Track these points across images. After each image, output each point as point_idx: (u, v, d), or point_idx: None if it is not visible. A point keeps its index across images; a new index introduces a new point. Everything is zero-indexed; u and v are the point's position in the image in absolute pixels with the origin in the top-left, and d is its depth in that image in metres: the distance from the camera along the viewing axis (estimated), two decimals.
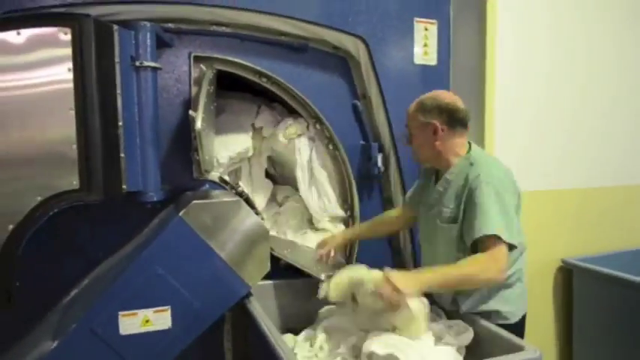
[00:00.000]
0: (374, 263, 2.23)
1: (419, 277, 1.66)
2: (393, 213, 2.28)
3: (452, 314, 1.84)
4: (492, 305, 1.80)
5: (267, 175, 2.61)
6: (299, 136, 2.36)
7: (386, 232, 2.36)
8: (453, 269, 1.67)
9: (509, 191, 1.74)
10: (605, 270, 2.68)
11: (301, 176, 2.39)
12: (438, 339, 1.64)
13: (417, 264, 2.43)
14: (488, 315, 1.79)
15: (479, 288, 1.77)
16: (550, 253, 2.89)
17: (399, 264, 2.44)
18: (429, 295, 1.86)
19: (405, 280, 1.59)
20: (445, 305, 1.87)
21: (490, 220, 1.64)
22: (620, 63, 3.01)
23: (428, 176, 2.03)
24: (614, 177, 3.07)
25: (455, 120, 1.82)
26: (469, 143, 1.90)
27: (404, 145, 2.03)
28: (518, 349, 1.48)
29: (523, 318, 1.90)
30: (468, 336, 1.66)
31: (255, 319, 1.72)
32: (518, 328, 1.82)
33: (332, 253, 2.16)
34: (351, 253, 2.36)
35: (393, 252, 2.46)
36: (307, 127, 2.36)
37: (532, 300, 2.73)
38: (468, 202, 1.73)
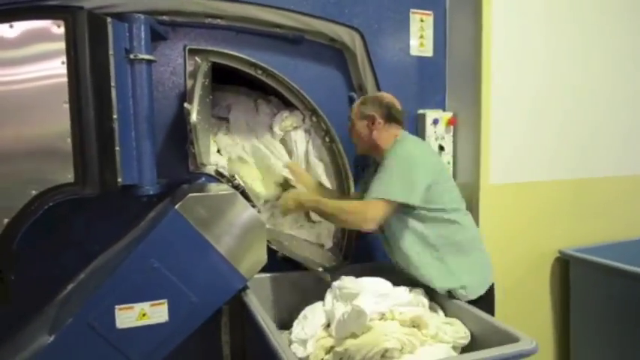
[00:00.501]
0: (370, 253, 2.25)
1: (303, 198, 2.08)
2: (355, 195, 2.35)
3: (449, 307, 1.84)
4: (458, 280, 1.89)
5: None
6: (295, 128, 2.35)
7: None
8: (331, 202, 1.98)
9: (419, 163, 1.87)
10: (603, 260, 2.68)
11: None
12: (434, 336, 1.64)
13: None
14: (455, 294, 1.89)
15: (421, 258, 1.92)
16: (547, 244, 2.88)
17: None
18: (428, 290, 1.92)
19: (293, 197, 2.08)
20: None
21: (381, 186, 1.84)
22: (616, 53, 3.00)
23: (372, 166, 2.20)
24: (610, 167, 3.06)
25: (391, 115, 2.02)
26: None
27: (350, 137, 2.18)
28: (514, 340, 1.48)
29: (491, 289, 2.00)
30: (466, 338, 1.68)
31: (252, 312, 1.72)
32: (487, 301, 1.93)
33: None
34: (348, 248, 2.36)
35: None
36: (303, 119, 2.35)
37: (529, 291, 2.76)
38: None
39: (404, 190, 1.82)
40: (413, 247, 1.93)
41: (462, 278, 1.89)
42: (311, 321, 1.79)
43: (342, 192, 2.40)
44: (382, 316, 1.67)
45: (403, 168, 1.85)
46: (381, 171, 1.89)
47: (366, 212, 1.84)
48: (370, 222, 1.84)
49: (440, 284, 1.90)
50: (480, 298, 1.91)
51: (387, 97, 2.08)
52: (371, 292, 1.74)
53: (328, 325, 1.75)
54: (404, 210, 1.89)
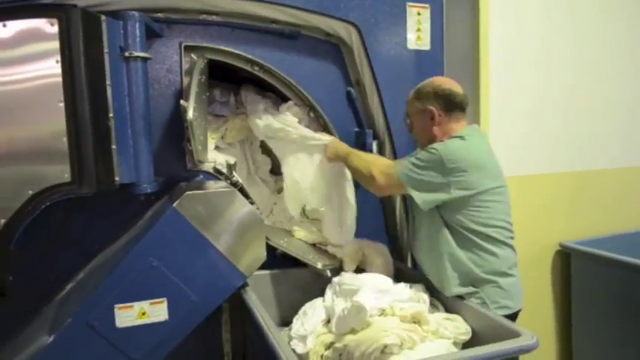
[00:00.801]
0: None
1: (339, 147, 2.10)
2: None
3: (450, 303, 1.84)
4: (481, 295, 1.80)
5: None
6: (300, 120, 2.34)
7: None
8: (359, 156, 2.01)
9: (448, 169, 1.73)
10: (604, 253, 2.68)
11: None
12: (434, 332, 1.64)
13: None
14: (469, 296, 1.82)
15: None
16: (548, 236, 2.88)
17: (396, 249, 2.44)
18: (429, 286, 1.92)
19: (331, 147, 2.11)
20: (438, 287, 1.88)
21: (407, 169, 1.80)
22: (616, 45, 2.99)
23: None
24: (611, 159, 3.06)
25: (452, 104, 1.86)
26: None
27: (408, 132, 2.09)
28: (515, 335, 1.47)
29: (510, 317, 1.81)
30: (467, 334, 1.67)
31: (251, 309, 1.71)
32: None
33: None
34: None
35: (390, 238, 2.45)
36: (303, 113, 2.34)
37: (530, 284, 2.74)
38: None
39: (419, 187, 1.78)
40: (435, 252, 1.86)
41: (484, 299, 1.80)
42: (311, 317, 1.79)
43: None
44: (382, 312, 1.66)
45: (431, 165, 1.75)
46: (422, 153, 1.80)
47: (378, 181, 1.87)
48: (377, 190, 1.94)
49: (449, 293, 1.83)
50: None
51: (444, 82, 1.91)
52: (371, 288, 1.73)
53: (328, 321, 1.75)
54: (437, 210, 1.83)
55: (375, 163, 1.94)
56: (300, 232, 2.36)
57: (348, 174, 2.16)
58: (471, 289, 1.80)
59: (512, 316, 1.83)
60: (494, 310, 1.77)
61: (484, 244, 1.79)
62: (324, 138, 2.17)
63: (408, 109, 1.99)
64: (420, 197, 1.78)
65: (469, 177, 1.74)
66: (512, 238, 1.88)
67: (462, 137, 1.81)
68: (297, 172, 2.25)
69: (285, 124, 2.18)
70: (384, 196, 1.93)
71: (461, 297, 1.82)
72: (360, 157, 2.02)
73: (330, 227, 2.28)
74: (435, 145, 1.78)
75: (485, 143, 1.92)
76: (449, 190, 1.74)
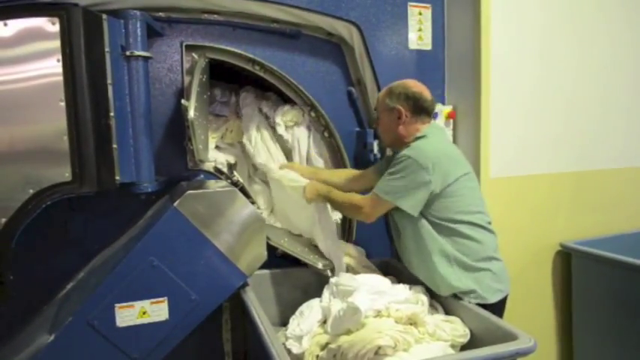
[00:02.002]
0: (371, 249, 2.24)
1: (319, 187, 2.10)
2: (353, 173, 2.30)
3: (449, 305, 1.84)
4: (467, 284, 1.82)
5: None
6: (296, 124, 2.34)
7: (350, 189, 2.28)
8: (339, 194, 2.04)
9: (425, 170, 1.77)
10: (604, 253, 2.67)
11: None
12: (432, 334, 1.64)
13: None
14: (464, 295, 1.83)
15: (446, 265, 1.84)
16: (548, 237, 2.88)
17: (396, 249, 2.44)
18: (430, 290, 1.91)
19: (310, 189, 2.09)
20: (433, 287, 1.89)
21: (384, 185, 1.85)
22: (616, 45, 2.98)
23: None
24: (611, 159, 3.05)
25: (419, 108, 1.93)
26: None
27: (373, 127, 2.15)
28: (513, 337, 1.47)
29: (503, 300, 1.90)
30: (465, 336, 1.67)
31: (248, 309, 1.71)
32: (496, 309, 1.84)
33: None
34: (349, 240, 2.36)
35: (390, 240, 2.44)
36: (302, 115, 2.34)
37: (530, 284, 2.75)
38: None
39: (403, 195, 1.81)
40: (423, 251, 1.87)
41: (472, 287, 1.81)
42: (307, 317, 1.79)
43: (337, 166, 2.42)
44: (378, 314, 1.66)
45: (408, 173, 1.79)
46: (392, 166, 1.86)
47: (364, 209, 1.91)
48: (367, 217, 1.93)
49: (445, 292, 1.85)
50: (489, 305, 1.82)
51: (415, 86, 1.96)
52: (367, 289, 1.73)
53: (325, 322, 1.75)
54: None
55: (356, 195, 2.03)
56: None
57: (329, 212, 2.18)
58: (466, 285, 1.81)
59: (504, 300, 1.89)
60: (491, 296, 1.82)
61: (468, 232, 1.84)
62: (301, 180, 2.18)
63: (377, 104, 2.04)
64: (407, 203, 1.81)
65: (443, 168, 1.80)
66: (490, 222, 1.94)
67: (424, 136, 1.90)
68: (282, 202, 2.33)
69: (267, 163, 2.27)
70: (374, 220, 1.94)
71: (457, 297, 1.82)
72: (342, 193, 2.07)
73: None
74: (403, 153, 1.84)
75: (445, 136, 2.05)
76: (430, 186, 1.78)
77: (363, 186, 2.21)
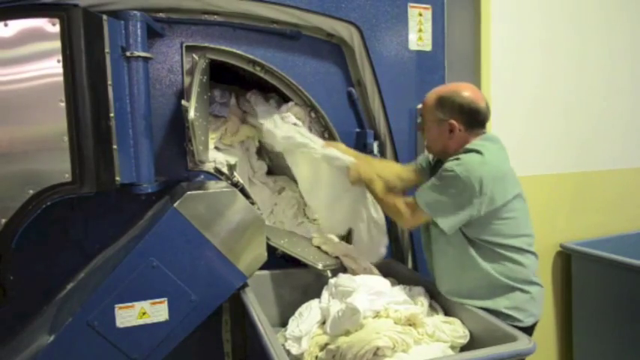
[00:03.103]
0: None
1: (362, 171, 2.02)
2: (399, 169, 2.19)
3: (449, 306, 1.84)
4: (496, 305, 1.74)
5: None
6: (301, 121, 2.33)
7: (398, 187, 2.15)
8: (380, 189, 1.95)
9: (471, 190, 1.65)
10: (604, 254, 2.68)
11: None
12: (431, 335, 1.64)
13: (414, 252, 2.42)
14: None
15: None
16: (548, 237, 2.88)
17: (397, 251, 2.44)
18: (429, 289, 1.91)
19: (355, 170, 2.03)
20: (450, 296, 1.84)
21: (429, 197, 1.74)
22: (617, 45, 2.99)
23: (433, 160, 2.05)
24: (611, 160, 3.05)
25: (474, 121, 1.78)
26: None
27: (419, 132, 2.04)
28: (512, 339, 1.47)
29: (532, 326, 1.80)
30: (465, 337, 1.67)
31: (248, 309, 1.71)
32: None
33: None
34: (349, 241, 2.36)
35: (390, 240, 2.44)
36: (304, 114, 2.33)
37: None
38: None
39: (444, 213, 1.70)
40: (456, 262, 1.79)
41: (500, 308, 1.73)
42: (306, 318, 1.79)
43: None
44: (377, 314, 1.65)
45: (451, 191, 1.67)
46: (438, 177, 1.72)
47: (405, 216, 1.82)
48: (407, 224, 1.91)
49: (473, 304, 1.76)
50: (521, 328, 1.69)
51: (469, 94, 1.76)
52: (366, 290, 1.73)
53: (324, 323, 1.75)
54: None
55: (400, 198, 1.89)
56: (317, 239, 2.32)
57: (369, 195, 2.11)
58: (499, 306, 1.74)
59: (534, 325, 1.81)
60: (524, 318, 1.74)
61: (510, 254, 1.74)
62: (347, 159, 2.08)
63: (425, 113, 1.86)
64: (445, 223, 1.71)
65: (492, 191, 1.66)
66: (533, 243, 1.83)
67: (478, 151, 1.71)
68: (317, 189, 2.25)
69: (309, 140, 2.17)
70: (412, 228, 1.93)
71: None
72: (385, 189, 1.96)
73: (360, 242, 2.24)
74: (451, 165, 1.68)
75: (502, 150, 1.82)
76: (473, 209, 1.67)
77: (405, 185, 2.12)
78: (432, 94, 1.83)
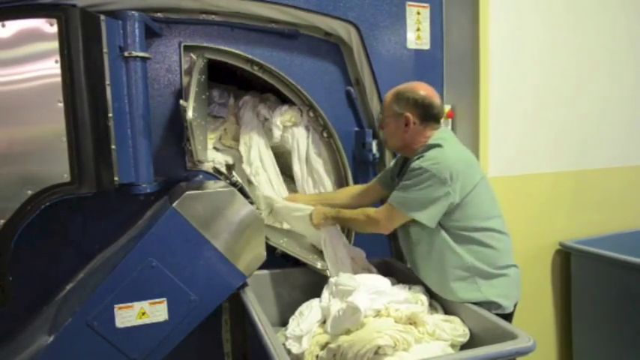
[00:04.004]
0: (371, 249, 2.23)
1: (326, 211, 2.07)
2: (357, 189, 2.29)
3: (449, 305, 1.84)
4: (485, 294, 1.78)
5: None
6: (294, 124, 2.34)
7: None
8: (349, 212, 2.02)
9: (441, 181, 1.72)
10: (604, 252, 2.68)
11: (299, 168, 2.37)
12: (431, 334, 1.64)
13: None
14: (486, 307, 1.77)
15: (466, 274, 1.79)
16: (548, 236, 2.88)
17: (395, 250, 2.44)
18: (428, 288, 1.92)
19: (316, 214, 2.08)
20: (443, 295, 1.86)
21: (400, 197, 1.80)
22: (616, 44, 2.99)
23: (398, 163, 2.10)
24: (610, 159, 3.05)
25: (428, 115, 1.87)
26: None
27: (377, 129, 2.09)
28: (512, 337, 1.47)
29: (512, 312, 1.87)
30: (465, 336, 1.67)
31: (248, 309, 1.71)
32: (509, 316, 1.83)
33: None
34: (348, 238, 2.36)
35: (389, 239, 2.45)
36: (301, 115, 2.34)
37: (530, 284, 2.75)
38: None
39: (420, 208, 1.75)
40: (444, 263, 1.82)
41: (490, 297, 1.78)
42: (307, 317, 1.79)
43: (341, 186, 2.40)
44: (377, 313, 1.66)
45: (426, 185, 1.73)
46: (407, 178, 1.79)
47: (381, 221, 1.87)
48: (384, 230, 1.91)
49: (463, 298, 1.80)
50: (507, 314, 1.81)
51: (424, 90, 1.87)
52: (367, 289, 1.73)
53: (324, 322, 1.75)
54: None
55: (369, 208, 1.98)
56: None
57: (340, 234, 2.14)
58: (484, 296, 1.77)
59: (515, 305, 1.87)
60: (510, 304, 1.80)
61: (486, 240, 1.80)
62: (305, 207, 2.14)
63: (383, 108, 1.97)
64: (424, 216, 1.76)
65: (460, 178, 1.74)
66: (504, 224, 1.89)
67: (439, 145, 1.80)
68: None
69: (270, 195, 2.26)
70: (391, 231, 1.91)
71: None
72: (352, 210, 2.04)
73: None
74: (417, 163, 1.77)
75: (457, 140, 1.93)
76: (449, 198, 1.73)
77: (371, 200, 2.20)
78: (390, 91, 1.94)
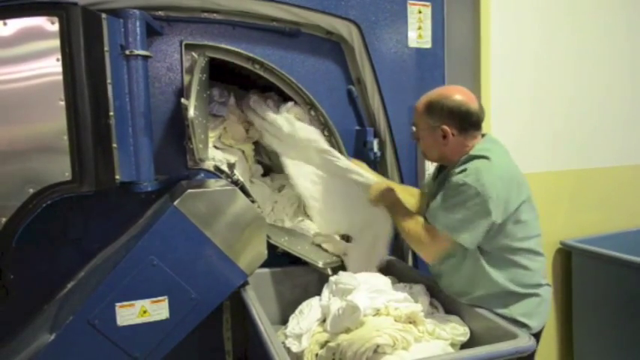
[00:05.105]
0: None
1: (385, 194, 1.96)
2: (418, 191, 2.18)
3: (449, 304, 1.83)
4: (511, 312, 1.70)
5: (262, 164, 2.59)
6: (300, 121, 2.33)
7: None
8: (403, 213, 1.84)
9: (487, 201, 1.58)
10: (604, 251, 2.68)
11: None
12: (431, 333, 1.64)
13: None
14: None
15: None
16: (548, 234, 2.86)
17: (397, 249, 2.44)
18: (429, 287, 1.89)
19: (377, 189, 2.00)
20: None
21: (446, 218, 1.65)
22: (616, 42, 2.99)
23: (436, 170, 2.01)
24: (611, 157, 3.05)
25: (467, 124, 1.71)
26: (483, 135, 1.79)
27: (413, 140, 1.94)
28: (512, 336, 1.47)
29: (540, 331, 1.78)
30: (465, 335, 1.66)
31: (248, 307, 1.72)
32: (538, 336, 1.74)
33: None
34: (349, 240, 2.36)
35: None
36: (304, 113, 2.33)
37: None
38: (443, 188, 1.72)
39: (464, 230, 1.62)
40: (470, 278, 1.72)
41: (515, 315, 1.69)
42: (307, 316, 1.79)
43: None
44: (377, 312, 1.65)
45: (468, 204, 1.59)
46: (448, 195, 1.66)
47: (430, 247, 1.72)
48: (431, 258, 1.77)
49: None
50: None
51: (459, 96, 1.70)
52: (366, 288, 1.73)
53: (324, 320, 1.75)
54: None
55: (418, 225, 1.76)
56: (318, 238, 2.31)
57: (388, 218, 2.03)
58: (504, 311, 1.69)
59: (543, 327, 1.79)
60: (534, 324, 1.71)
61: (521, 260, 1.70)
62: (371, 178, 2.09)
63: (416, 120, 1.80)
64: (467, 239, 1.63)
65: (506, 194, 1.62)
66: (542, 243, 1.79)
67: (484, 156, 1.65)
68: (322, 191, 2.27)
69: (331, 150, 2.20)
70: (437, 259, 1.76)
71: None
72: (410, 215, 1.84)
73: (357, 257, 2.21)
74: (460, 177, 1.62)
75: (506, 152, 1.78)
76: (492, 216, 1.59)
77: (419, 206, 2.05)
78: (422, 101, 1.77)
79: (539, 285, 1.76)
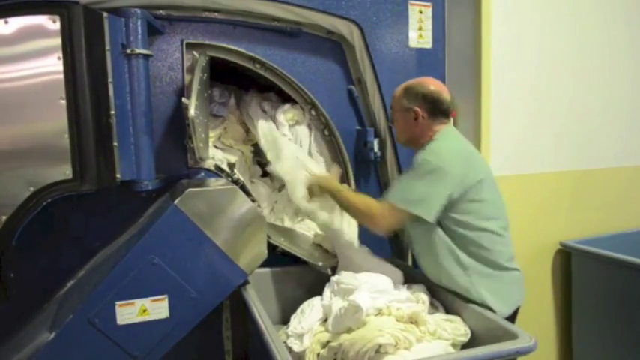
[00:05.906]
0: (371, 248, 2.24)
1: (325, 183, 2.03)
2: None
3: (450, 304, 1.84)
4: (480, 294, 1.77)
5: (261, 165, 2.59)
6: (297, 122, 2.34)
7: None
8: (349, 194, 1.94)
9: (444, 174, 1.72)
10: (604, 252, 2.68)
11: None
12: (432, 333, 1.64)
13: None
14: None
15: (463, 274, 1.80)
16: (548, 235, 2.88)
17: (397, 248, 2.44)
18: (430, 287, 1.90)
19: (316, 182, 2.06)
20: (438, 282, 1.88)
21: (399, 192, 1.79)
22: (617, 43, 2.98)
23: None
24: (612, 158, 3.05)
25: (437, 110, 1.87)
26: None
27: (389, 125, 2.11)
28: (513, 336, 1.47)
29: (515, 312, 1.86)
30: (466, 335, 1.67)
31: (249, 307, 1.72)
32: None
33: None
34: None
35: (390, 237, 2.45)
36: (303, 113, 2.34)
37: (530, 283, 2.74)
38: None
39: (420, 203, 1.72)
40: (441, 259, 1.82)
41: (483, 298, 1.76)
42: (308, 315, 1.79)
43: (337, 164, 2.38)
44: (379, 312, 1.66)
45: (426, 177, 1.72)
46: (406, 172, 1.82)
47: (378, 217, 1.79)
48: (380, 228, 1.83)
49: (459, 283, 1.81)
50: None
51: (433, 85, 1.88)
52: (368, 288, 1.73)
53: (326, 320, 1.75)
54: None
55: (374, 200, 1.86)
56: (318, 237, 2.31)
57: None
58: (480, 296, 1.77)
59: (516, 311, 1.86)
60: (502, 307, 1.77)
61: (481, 240, 1.78)
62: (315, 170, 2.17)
63: (393, 103, 1.97)
64: (424, 210, 1.72)
65: (462, 170, 1.74)
66: (507, 228, 1.88)
67: (442, 139, 1.84)
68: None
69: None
70: (386, 231, 1.88)
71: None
72: (356, 194, 1.97)
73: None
74: (418, 155, 1.79)
75: (463, 137, 1.93)
76: (447, 187, 1.71)
77: None
78: (400, 86, 1.95)
79: (507, 268, 1.83)
